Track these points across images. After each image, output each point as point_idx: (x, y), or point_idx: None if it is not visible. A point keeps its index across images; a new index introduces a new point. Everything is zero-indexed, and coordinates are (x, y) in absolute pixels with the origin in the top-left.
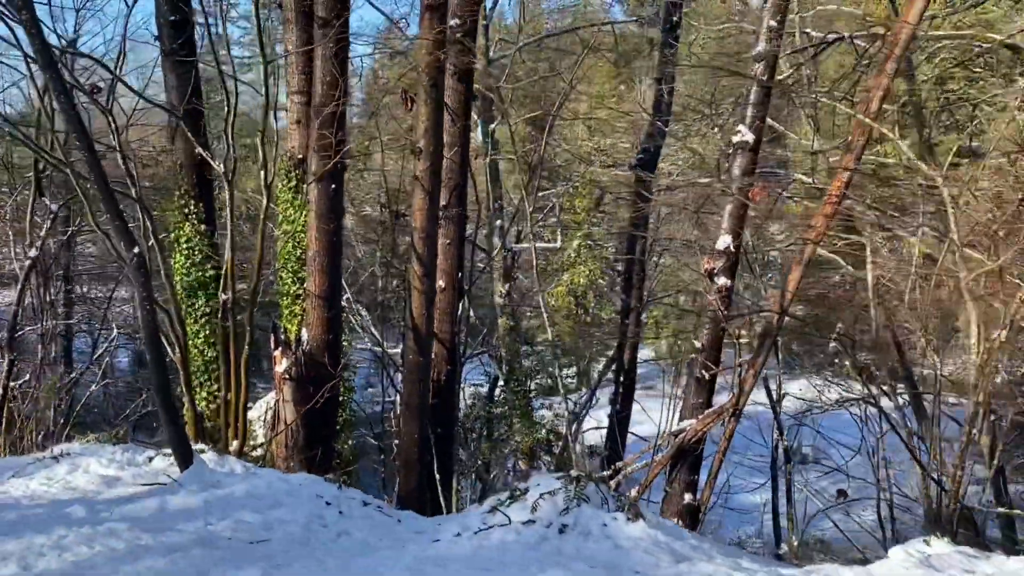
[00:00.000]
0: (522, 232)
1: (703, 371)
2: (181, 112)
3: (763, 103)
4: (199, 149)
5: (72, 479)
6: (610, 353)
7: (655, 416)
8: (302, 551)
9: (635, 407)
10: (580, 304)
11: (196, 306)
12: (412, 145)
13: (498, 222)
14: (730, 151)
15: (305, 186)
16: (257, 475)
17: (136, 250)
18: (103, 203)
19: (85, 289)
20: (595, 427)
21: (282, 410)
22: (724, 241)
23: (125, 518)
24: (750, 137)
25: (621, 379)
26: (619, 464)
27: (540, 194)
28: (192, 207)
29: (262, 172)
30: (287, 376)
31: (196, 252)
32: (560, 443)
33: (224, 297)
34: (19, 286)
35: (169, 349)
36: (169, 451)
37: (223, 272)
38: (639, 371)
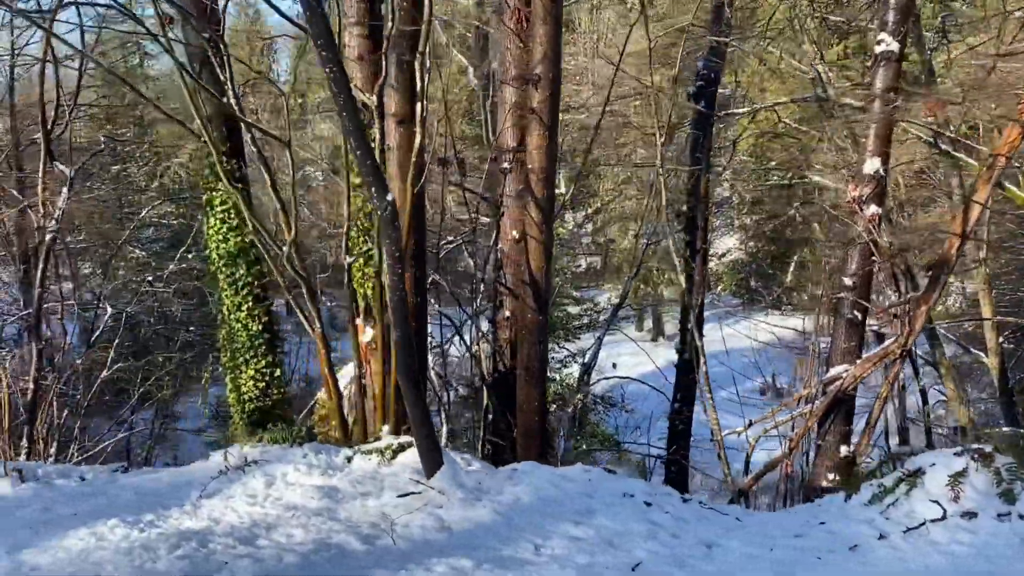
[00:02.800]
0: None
1: (855, 311)
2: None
3: (908, 6)
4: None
5: (278, 493)
6: (608, 300)
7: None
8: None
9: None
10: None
11: (236, 276)
12: (527, 72)
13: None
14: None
15: (371, 131)
16: (521, 472)
17: (389, 197)
18: (355, 142)
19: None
20: (603, 377)
21: (370, 384)
22: (871, 165)
23: (421, 548)
24: (895, 46)
25: (689, 326)
26: (755, 419)
27: None
28: (225, 164)
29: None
30: (374, 346)
31: (232, 215)
32: (574, 397)
33: (349, 260)
34: (41, 265)
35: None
36: (368, 448)
37: (344, 231)
38: (604, 315)
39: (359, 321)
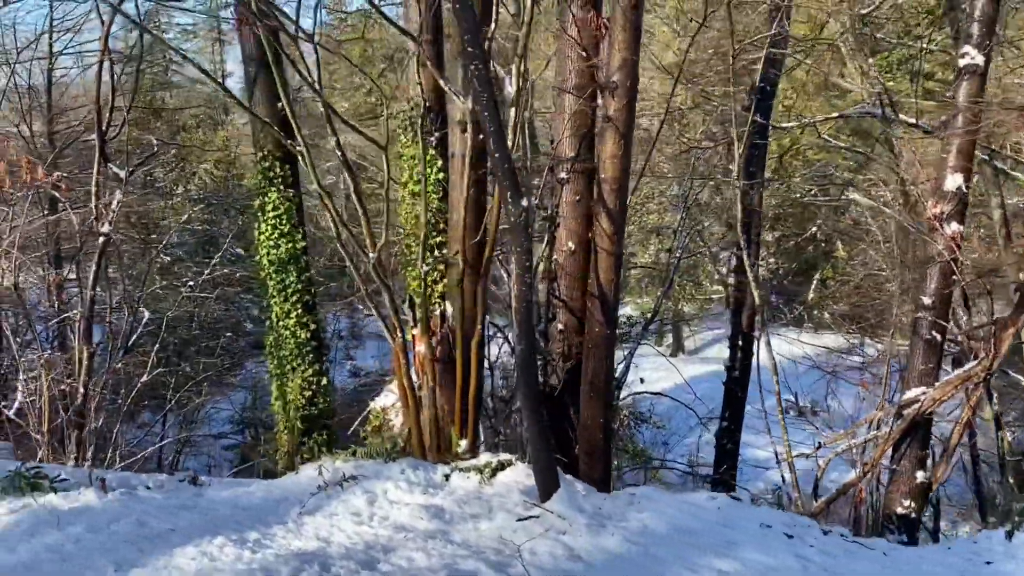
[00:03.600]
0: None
1: (933, 332)
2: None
3: (992, 18)
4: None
5: (383, 512)
6: (641, 315)
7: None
8: None
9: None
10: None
11: (287, 282)
12: (604, 80)
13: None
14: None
15: (433, 139)
16: (641, 497)
17: (524, 203)
18: (495, 144)
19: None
20: (633, 393)
21: (426, 397)
22: (953, 181)
23: None
24: (980, 59)
25: (739, 343)
26: (825, 441)
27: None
28: (277, 170)
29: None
30: (430, 357)
31: (284, 221)
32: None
33: (425, 268)
34: (94, 268)
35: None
36: (466, 466)
37: (422, 239)
38: (626, 329)
39: (415, 332)
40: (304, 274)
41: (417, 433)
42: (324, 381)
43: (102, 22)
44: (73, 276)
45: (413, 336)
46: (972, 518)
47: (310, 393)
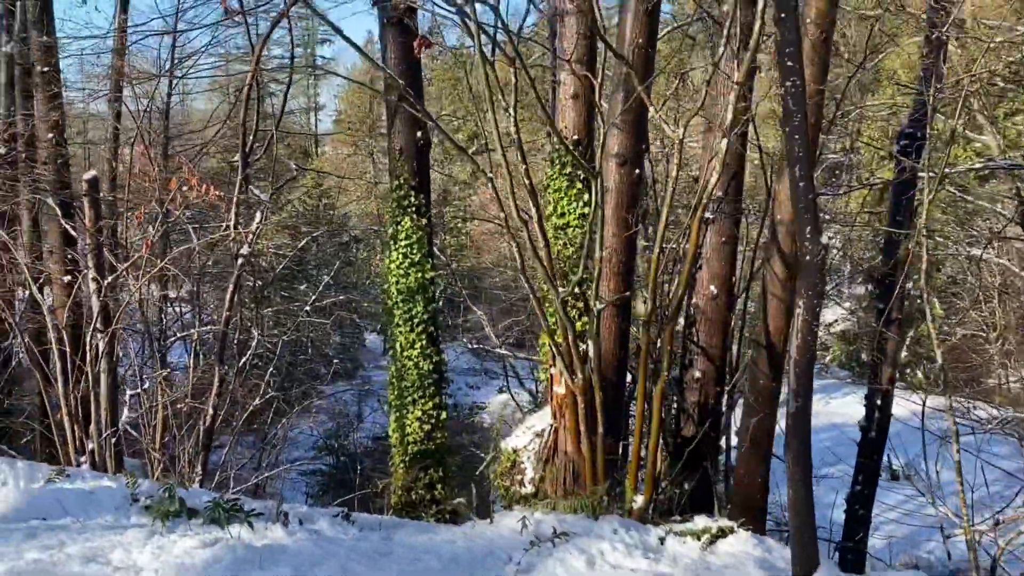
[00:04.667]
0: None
1: None
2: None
3: None
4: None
5: None
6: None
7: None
8: None
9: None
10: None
11: (413, 312)
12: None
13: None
14: None
15: (580, 173)
16: None
17: (824, 240)
18: (800, 171)
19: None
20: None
21: (563, 441)
22: None
23: None
24: None
25: (877, 402)
26: (1004, 518)
27: None
28: (412, 199)
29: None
30: (570, 400)
31: (415, 250)
32: None
33: (599, 307)
34: (231, 288)
35: None
36: (681, 530)
37: (595, 274)
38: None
39: (553, 371)
40: (431, 305)
41: (593, 483)
42: (443, 415)
43: (252, 48)
44: (176, 295)
45: (551, 377)
46: None
47: (428, 427)
